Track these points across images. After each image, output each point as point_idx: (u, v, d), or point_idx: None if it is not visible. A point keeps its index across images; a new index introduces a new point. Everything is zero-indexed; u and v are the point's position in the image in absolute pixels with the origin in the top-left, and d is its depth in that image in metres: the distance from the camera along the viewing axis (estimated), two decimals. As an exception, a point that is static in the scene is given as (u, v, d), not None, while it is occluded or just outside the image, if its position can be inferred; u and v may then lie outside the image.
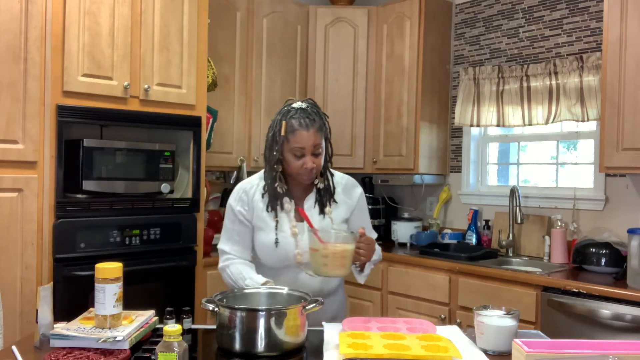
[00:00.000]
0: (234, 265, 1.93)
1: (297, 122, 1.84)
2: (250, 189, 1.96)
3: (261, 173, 1.98)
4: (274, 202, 1.91)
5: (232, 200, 1.98)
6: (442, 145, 3.82)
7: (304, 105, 1.89)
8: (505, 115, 3.46)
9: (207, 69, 3.10)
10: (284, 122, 1.85)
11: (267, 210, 1.92)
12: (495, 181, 3.80)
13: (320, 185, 1.95)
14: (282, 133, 1.85)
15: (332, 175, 1.99)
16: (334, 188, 1.98)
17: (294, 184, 1.94)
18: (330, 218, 1.94)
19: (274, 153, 1.88)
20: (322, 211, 1.95)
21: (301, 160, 1.85)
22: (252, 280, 1.84)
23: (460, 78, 3.69)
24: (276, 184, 1.90)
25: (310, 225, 1.76)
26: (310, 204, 1.95)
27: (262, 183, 1.95)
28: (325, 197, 1.95)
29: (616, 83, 2.70)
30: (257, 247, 1.96)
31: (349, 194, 2.03)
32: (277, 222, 1.91)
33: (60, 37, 2.57)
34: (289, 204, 1.92)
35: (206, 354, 1.59)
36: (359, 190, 2.07)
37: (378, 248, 1.96)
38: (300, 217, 1.88)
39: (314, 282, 1.90)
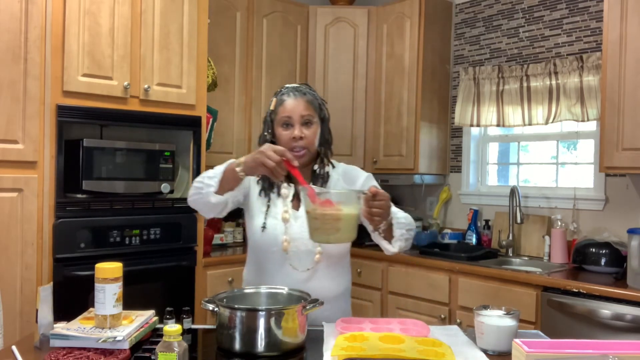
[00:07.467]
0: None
1: (287, 95, 1.81)
2: None
3: None
4: (268, 186, 1.83)
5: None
6: (442, 145, 3.82)
7: (297, 85, 1.87)
8: (505, 115, 3.46)
9: (207, 69, 3.10)
10: (274, 99, 1.82)
11: (260, 195, 1.84)
12: (495, 181, 3.80)
13: (318, 170, 1.85)
14: (272, 108, 1.81)
15: (333, 166, 1.91)
16: (329, 174, 1.87)
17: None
18: None
19: (265, 133, 1.82)
20: None
21: (289, 130, 1.77)
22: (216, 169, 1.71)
23: (460, 78, 3.69)
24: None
25: (303, 182, 1.56)
26: None
27: None
28: (320, 183, 1.83)
29: (616, 83, 2.70)
30: (247, 232, 1.90)
31: (350, 180, 1.90)
32: (268, 206, 1.82)
33: (60, 37, 2.57)
34: (286, 189, 1.81)
35: (206, 354, 1.59)
36: (363, 173, 1.92)
37: (405, 214, 1.77)
38: (298, 205, 1.79)
39: (299, 277, 1.78)
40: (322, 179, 1.85)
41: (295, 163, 1.60)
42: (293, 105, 1.78)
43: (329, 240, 1.51)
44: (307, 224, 1.53)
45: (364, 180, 1.90)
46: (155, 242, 2.87)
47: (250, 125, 3.62)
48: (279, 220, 1.80)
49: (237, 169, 1.64)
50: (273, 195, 1.84)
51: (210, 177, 1.72)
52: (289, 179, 1.80)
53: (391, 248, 1.73)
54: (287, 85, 1.87)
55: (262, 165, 1.57)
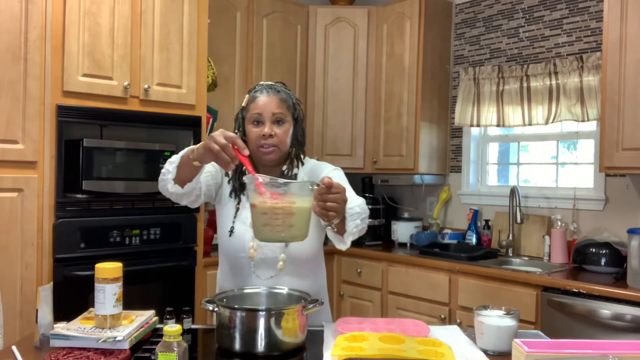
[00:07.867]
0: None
1: (260, 92, 1.75)
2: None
3: None
4: (238, 187, 1.76)
5: None
6: (442, 145, 3.82)
7: (271, 82, 1.82)
8: (505, 115, 3.46)
9: (207, 69, 3.10)
10: (247, 96, 1.78)
11: (230, 196, 1.77)
12: (495, 181, 3.80)
13: (286, 171, 1.77)
14: (244, 104, 1.77)
15: (302, 164, 1.82)
16: (296, 176, 1.78)
17: (263, 171, 1.71)
18: None
19: (236, 131, 1.75)
20: None
21: (259, 128, 1.71)
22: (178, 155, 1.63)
23: (460, 78, 3.69)
24: (243, 167, 1.68)
25: (251, 172, 1.42)
26: None
27: None
28: None
29: (616, 83, 2.70)
30: (217, 233, 1.82)
31: (316, 176, 1.76)
32: (237, 209, 1.75)
33: (60, 37, 2.57)
34: None
35: (206, 354, 1.59)
36: (328, 167, 1.81)
37: (359, 199, 1.61)
38: None
39: (266, 284, 1.70)
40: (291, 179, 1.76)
41: (246, 152, 1.46)
42: (265, 102, 1.72)
43: (280, 238, 1.36)
44: (252, 220, 1.38)
45: (329, 172, 1.78)
46: (155, 242, 2.87)
47: (250, 125, 3.61)
48: (247, 226, 1.71)
49: (191, 157, 1.55)
50: (243, 198, 1.76)
51: (171, 163, 1.65)
52: None
53: (344, 246, 1.61)
54: (261, 83, 1.82)
55: (210, 150, 1.45)
